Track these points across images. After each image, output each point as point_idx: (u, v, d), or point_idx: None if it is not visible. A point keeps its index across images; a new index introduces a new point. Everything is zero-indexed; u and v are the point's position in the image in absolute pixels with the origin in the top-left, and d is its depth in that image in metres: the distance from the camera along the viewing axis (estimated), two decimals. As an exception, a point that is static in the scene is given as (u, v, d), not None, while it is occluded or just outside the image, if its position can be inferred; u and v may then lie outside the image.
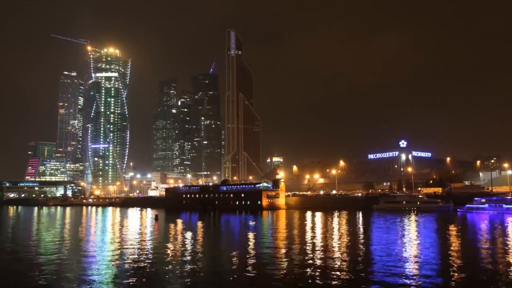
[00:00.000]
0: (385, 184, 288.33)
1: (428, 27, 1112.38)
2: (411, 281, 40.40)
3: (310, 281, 41.43)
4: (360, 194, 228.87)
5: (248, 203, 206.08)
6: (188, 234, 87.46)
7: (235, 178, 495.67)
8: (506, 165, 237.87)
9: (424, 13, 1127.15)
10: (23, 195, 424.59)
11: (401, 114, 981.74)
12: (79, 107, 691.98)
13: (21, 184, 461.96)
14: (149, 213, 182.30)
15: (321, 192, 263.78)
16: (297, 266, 48.42)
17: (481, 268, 47.48)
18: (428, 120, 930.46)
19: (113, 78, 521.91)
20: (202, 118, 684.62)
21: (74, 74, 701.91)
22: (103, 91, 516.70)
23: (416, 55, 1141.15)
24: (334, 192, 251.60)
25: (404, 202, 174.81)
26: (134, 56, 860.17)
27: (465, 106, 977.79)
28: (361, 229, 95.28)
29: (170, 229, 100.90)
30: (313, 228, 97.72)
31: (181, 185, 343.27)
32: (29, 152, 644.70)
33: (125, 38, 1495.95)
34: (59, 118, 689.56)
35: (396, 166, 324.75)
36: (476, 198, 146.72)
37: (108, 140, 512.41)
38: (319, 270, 45.80)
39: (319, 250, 61.36)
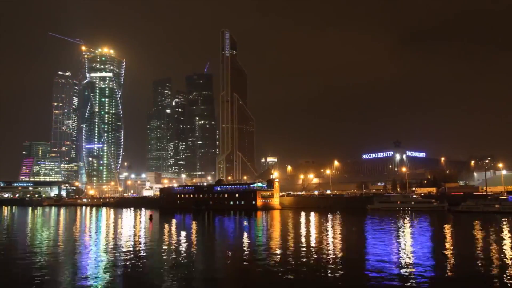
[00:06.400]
0: (379, 184, 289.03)
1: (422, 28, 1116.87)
2: (408, 283, 40.43)
3: (305, 283, 41.38)
4: (354, 194, 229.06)
5: (243, 203, 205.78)
6: (182, 235, 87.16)
7: (229, 178, 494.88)
8: (500, 165, 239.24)
9: (416, 14, 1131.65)
10: (17, 195, 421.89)
11: (395, 114, 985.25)
12: (74, 107, 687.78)
13: (15, 184, 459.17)
14: (143, 213, 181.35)
15: (316, 192, 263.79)
16: (291, 268, 48.24)
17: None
18: (423, 120, 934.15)
19: (107, 78, 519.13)
20: (197, 118, 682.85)
21: (68, 74, 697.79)
22: (98, 91, 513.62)
23: (413, 55, 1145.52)
24: (328, 192, 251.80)
25: (398, 202, 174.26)
26: (128, 56, 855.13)
27: (461, 105, 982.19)
28: (356, 230, 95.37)
29: (164, 230, 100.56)
30: (307, 229, 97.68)
31: (175, 185, 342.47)
32: (24, 152, 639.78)
33: (120, 38, 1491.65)
34: (53, 118, 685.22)
35: (390, 166, 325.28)
36: None
37: (102, 140, 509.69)
38: (313, 272, 45.76)
39: (313, 252, 61.15)
